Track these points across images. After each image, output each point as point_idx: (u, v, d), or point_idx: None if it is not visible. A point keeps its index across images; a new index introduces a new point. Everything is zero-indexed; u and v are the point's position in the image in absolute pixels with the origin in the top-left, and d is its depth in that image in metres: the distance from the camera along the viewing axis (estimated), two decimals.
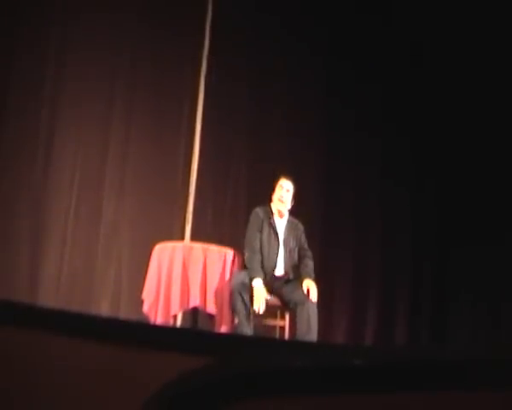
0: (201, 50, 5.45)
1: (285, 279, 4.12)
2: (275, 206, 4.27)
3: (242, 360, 1.02)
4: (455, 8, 5.58)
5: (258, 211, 4.26)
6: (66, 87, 5.11)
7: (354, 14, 5.88)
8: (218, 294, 4.06)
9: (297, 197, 4.32)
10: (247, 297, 3.85)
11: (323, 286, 4.33)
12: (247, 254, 4.09)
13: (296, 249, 4.24)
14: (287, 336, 4.00)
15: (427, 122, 5.89)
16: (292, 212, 4.34)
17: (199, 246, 4.25)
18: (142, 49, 5.33)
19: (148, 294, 4.14)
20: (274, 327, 4.17)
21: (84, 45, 5.15)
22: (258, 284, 3.91)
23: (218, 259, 4.15)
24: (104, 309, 4.90)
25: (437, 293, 5.74)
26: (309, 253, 4.27)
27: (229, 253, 4.23)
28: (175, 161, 5.36)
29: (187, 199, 5.25)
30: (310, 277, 4.07)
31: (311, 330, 3.83)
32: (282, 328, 4.08)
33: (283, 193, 4.25)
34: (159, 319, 4.00)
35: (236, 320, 3.85)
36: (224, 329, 3.96)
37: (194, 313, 4.30)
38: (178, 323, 4.39)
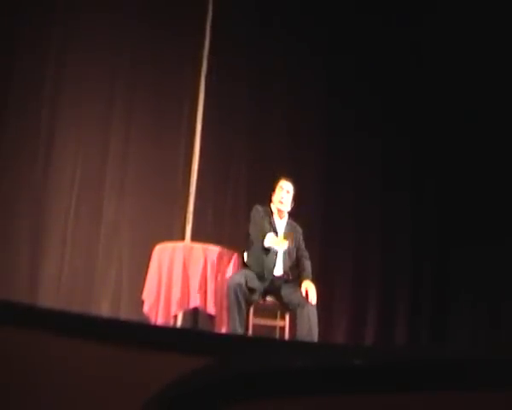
0: (202, 50, 5.45)
1: (284, 279, 4.12)
2: (275, 207, 4.27)
3: (242, 361, 1.02)
4: (455, 7, 5.58)
5: (259, 208, 4.26)
6: (66, 87, 5.11)
7: (354, 14, 5.87)
8: (218, 294, 4.06)
9: (297, 197, 4.31)
10: (242, 298, 3.84)
11: (323, 286, 4.34)
12: (252, 230, 4.13)
13: (295, 251, 4.24)
14: (287, 336, 4.01)
15: (427, 122, 5.88)
16: (292, 212, 4.34)
17: (199, 246, 4.25)
18: (142, 49, 5.33)
19: (148, 294, 4.14)
20: (274, 327, 4.17)
21: (84, 45, 5.16)
22: (270, 236, 4.03)
23: (219, 259, 4.16)
24: (104, 309, 4.90)
25: (437, 293, 5.74)
26: (306, 253, 4.28)
27: (230, 253, 4.23)
28: (175, 162, 5.36)
29: (187, 199, 5.25)
30: (308, 277, 4.08)
31: (311, 332, 3.82)
32: (282, 328, 4.08)
33: (283, 194, 4.25)
34: (159, 320, 4.01)
35: (230, 322, 3.84)
36: (224, 329, 3.96)
37: (194, 314, 4.31)
38: (179, 323, 4.39)
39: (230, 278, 4.00)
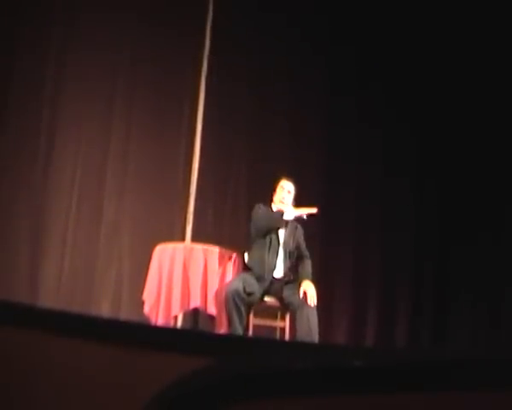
0: (202, 50, 5.45)
1: (285, 281, 4.11)
2: (276, 207, 4.26)
3: (243, 361, 1.02)
4: (455, 4, 5.57)
5: (262, 206, 4.25)
6: (66, 87, 5.11)
7: (354, 13, 5.87)
8: (218, 295, 4.06)
9: (297, 197, 4.31)
10: (240, 303, 3.82)
11: (323, 286, 4.33)
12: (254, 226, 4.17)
13: (295, 252, 4.23)
14: (287, 337, 4.00)
15: (428, 122, 5.89)
16: None
17: (199, 247, 4.25)
18: (142, 49, 5.33)
19: (148, 295, 4.13)
20: (274, 328, 4.16)
21: (84, 45, 5.15)
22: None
23: (219, 260, 4.15)
24: (105, 310, 4.90)
25: (437, 293, 5.74)
26: (306, 253, 4.27)
27: (230, 254, 4.23)
28: (175, 161, 5.36)
29: (188, 199, 5.25)
30: (308, 278, 4.06)
31: (311, 333, 3.81)
32: (283, 329, 4.07)
33: (284, 194, 4.24)
34: (159, 320, 4.00)
35: (230, 325, 3.83)
36: (224, 330, 3.96)
37: (194, 314, 4.30)
38: (179, 324, 4.39)
39: (228, 284, 3.95)
